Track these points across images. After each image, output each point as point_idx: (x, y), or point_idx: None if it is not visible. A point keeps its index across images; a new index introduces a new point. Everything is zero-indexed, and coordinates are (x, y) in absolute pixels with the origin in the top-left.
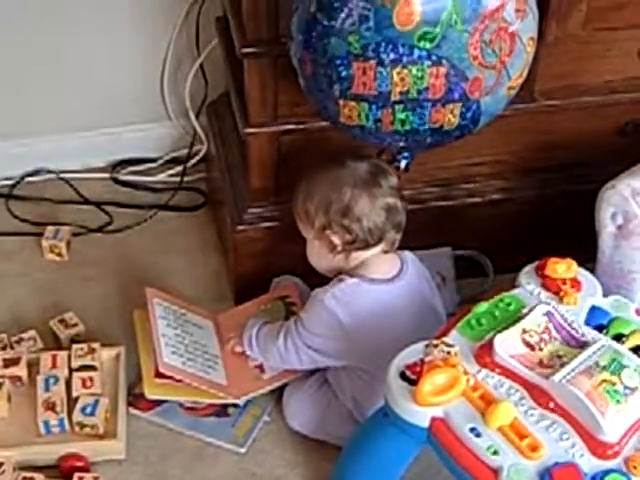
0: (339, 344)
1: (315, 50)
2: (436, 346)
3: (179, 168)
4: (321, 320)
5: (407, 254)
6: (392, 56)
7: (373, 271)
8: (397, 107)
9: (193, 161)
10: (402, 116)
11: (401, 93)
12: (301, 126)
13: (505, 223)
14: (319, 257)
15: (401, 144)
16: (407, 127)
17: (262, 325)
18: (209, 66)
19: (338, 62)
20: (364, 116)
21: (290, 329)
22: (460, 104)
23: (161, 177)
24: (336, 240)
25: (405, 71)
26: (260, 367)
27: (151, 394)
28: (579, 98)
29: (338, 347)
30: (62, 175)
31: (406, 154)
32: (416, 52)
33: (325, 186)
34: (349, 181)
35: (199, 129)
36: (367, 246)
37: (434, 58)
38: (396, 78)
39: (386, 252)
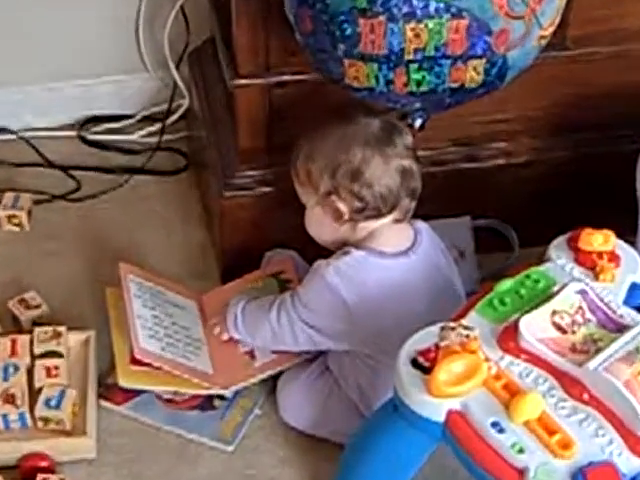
0: (341, 325)
1: (314, 5)
2: (453, 329)
3: (157, 126)
4: (321, 297)
5: (421, 224)
6: (405, 10)
7: (383, 243)
8: (411, 66)
9: (173, 118)
10: (418, 76)
11: (416, 51)
12: (297, 77)
13: (533, 188)
14: (321, 227)
15: (417, 105)
16: (424, 88)
17: (249, 301)
18: (191, 9)
19: (342, 19)
20: (373, 77)
21: (285, 302)
22: (484, 60)
23: (136, 136)
24: (343, 208)
25: (420, 26)
26: (251, 353)
27: (125, 383)
28: (619, 46)
29: (340, 328)
30: (22, 134)
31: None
32: (432, 4)
33: (332, 145)
34: (359, 140)
35: (180, 81)
36: (378, 215)
37: (453, 10)
38: (410, 34)
39: (398, 222)
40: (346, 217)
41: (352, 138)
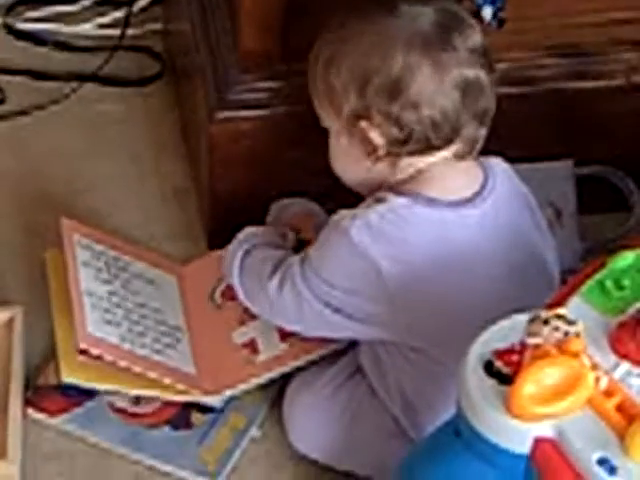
0: (372, 303)
1: None
2: (546, 322)
3: (119, 13)
4: (342, 263)
5: (496, 162)
6: None
7: (435, 186)
8: None
9: (142, 2)
10: None
11: None
12: None
13: None
14: (347, 162)
15: None
16: None
17: (256, 247)
18: None
19: None
20: None
21: (291, 268)
22: None
23: (88, 27)
24: (377, 138)
25: None
26: (251, 345)
27: (71, 377)
28: None
29: (370, 308)
30: None
31: None
32: None
33: (361, 47)
34: (401, 39)
35: None
36: (428, 148)
37: None
38: None
39: (461, 158)
40: (381, 151)
41: (391, 37)
